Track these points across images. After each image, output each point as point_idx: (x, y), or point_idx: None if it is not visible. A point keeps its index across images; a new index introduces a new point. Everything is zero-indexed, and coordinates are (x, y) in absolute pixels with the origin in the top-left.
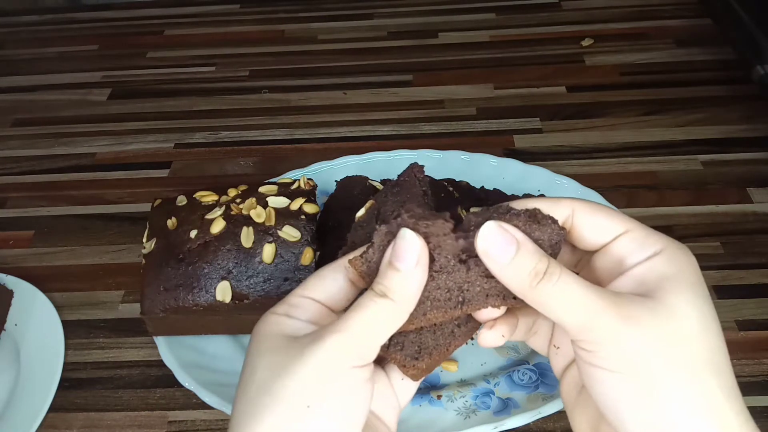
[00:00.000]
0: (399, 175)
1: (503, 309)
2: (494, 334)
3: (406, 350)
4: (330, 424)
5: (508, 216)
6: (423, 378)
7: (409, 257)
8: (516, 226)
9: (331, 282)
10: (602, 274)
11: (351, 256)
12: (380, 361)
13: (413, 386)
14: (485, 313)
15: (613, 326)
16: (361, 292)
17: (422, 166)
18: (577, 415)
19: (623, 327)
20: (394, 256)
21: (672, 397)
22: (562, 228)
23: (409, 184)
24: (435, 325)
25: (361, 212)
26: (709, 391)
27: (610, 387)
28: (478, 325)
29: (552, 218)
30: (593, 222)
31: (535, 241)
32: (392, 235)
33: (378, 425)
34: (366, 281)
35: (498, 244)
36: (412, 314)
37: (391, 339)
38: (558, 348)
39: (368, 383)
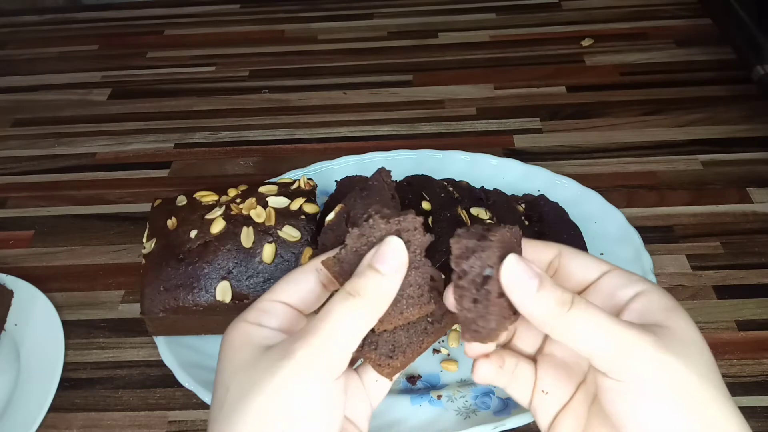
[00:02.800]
0: (369, 179)
1: (493, 346)
2: (490, 365)
3: (380, 349)
4: None
5: (466, 230)
6: (396, 376)
7: (391, 261)
8: (475, 232)
9: (303, 284)
10: None
11: (323, 257)
12: (352, 363)
13: (386, 387)
14: (477, 349)
15: (650, 352)
16: (331, 296)
17: (389, 171)
18: None
19: (660, 353)
20: (376, 259)
21: (718, 416)
22: (516, 228)
23: (377, 188)
24: (408, 323)
25: (330, 216)
26: (732, 411)
27: (657, 415)
28: (451, 322)
29: (504, 225)
30: (579, 261)
31: (500, 239)
32: (365, 238)
33: (349, 428)
34: (339, 282)
35: (523, 278)
36: (389, 314)
37: (364, 339)
38: (546, 393)
39: (341, 395)
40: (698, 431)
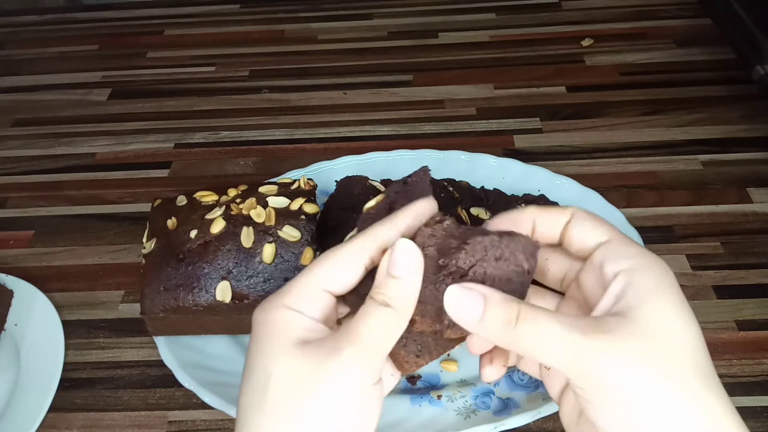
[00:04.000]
0: (409, 176)
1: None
2: (496, 367)
3: (409, 347)
4: None
5: (482, 235)
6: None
7: (406, 265)
8: (491, 240)
9: (351, 272)
10: (587, 288)
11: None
12: None
13: (393, 383)
14: (478, 347)
15: (599, 358)
16: (363, 281)
17: (430, 170)
18: None
19: (606, 359)
20: (391, 266)
21: (684, 415)
22: (535, 240)
23: (421, 186)
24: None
25: (371, 203)
26: (703, 407)
27: (613, 424)
28: None
29: (524, 235)
30: (582, 228)
31: (512, 252)
32: (434, 239)
33: None
34: None
35: (465, 305)
36: (431, 317)
37: None
38: (549, 369)
39: (381, 400)
40: None
